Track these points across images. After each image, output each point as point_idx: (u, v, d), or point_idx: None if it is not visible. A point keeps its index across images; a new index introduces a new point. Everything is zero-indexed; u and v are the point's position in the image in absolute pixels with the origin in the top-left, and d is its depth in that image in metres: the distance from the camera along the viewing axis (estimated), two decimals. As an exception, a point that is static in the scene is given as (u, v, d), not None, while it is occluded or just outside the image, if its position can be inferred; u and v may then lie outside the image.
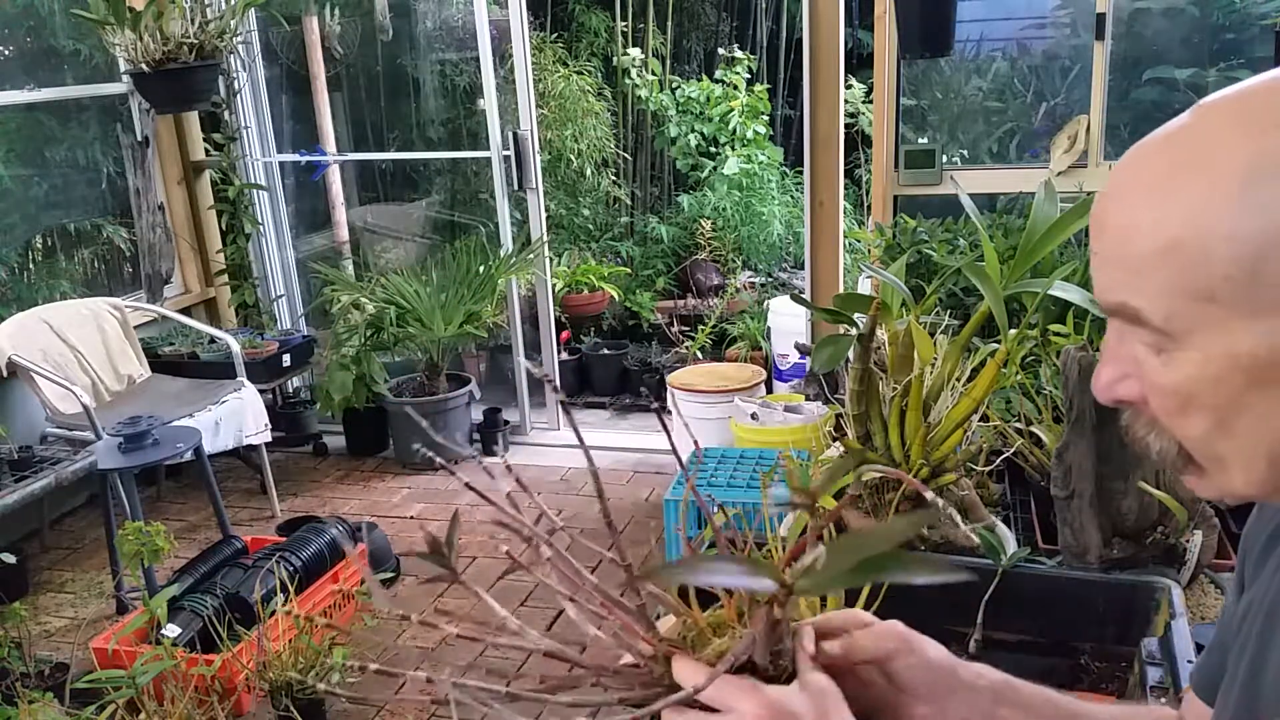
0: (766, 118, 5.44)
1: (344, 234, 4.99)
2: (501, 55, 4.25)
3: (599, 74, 5.49)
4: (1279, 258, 0.52)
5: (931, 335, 1.52)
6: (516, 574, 0.72)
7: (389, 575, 3.28)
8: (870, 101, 4.48)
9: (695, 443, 0.86)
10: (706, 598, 0.73)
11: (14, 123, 4.02)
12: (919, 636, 0.81)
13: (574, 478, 3.96)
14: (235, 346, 3.83)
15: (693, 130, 5.45)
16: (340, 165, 4.98)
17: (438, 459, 0.72)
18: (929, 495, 0.79)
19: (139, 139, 4.18)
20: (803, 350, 3.37)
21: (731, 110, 5.32)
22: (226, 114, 4.46)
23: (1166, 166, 0.57)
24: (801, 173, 3.81)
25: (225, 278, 4.62)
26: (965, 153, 3.99)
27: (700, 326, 4.97)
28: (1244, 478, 0.59)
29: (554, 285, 4.67)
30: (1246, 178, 0.53)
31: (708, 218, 5.44)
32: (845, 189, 3.82)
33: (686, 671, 0.66)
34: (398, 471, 4.25)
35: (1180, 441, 0.61)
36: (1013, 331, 1.39)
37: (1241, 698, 0.70)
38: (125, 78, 4.13)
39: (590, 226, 5.63)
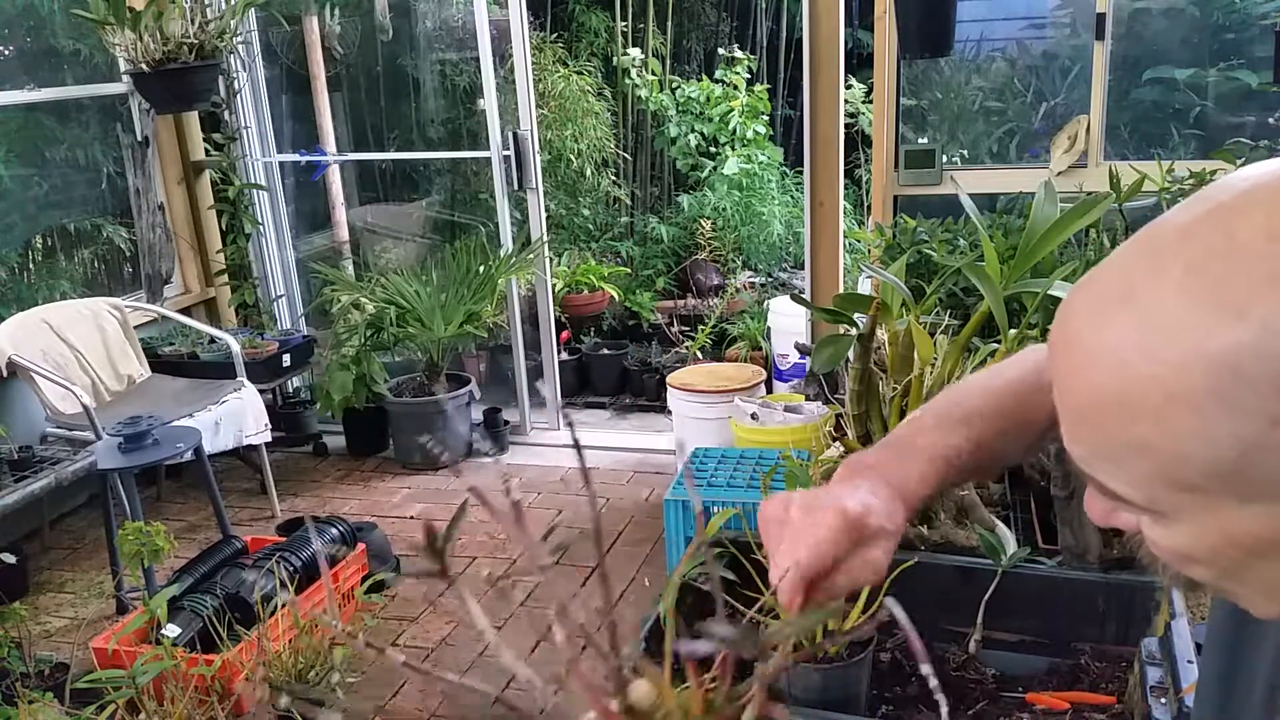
0: (766, 118, 5.44)
1: (344, 234, 4.99)
2: (501, 55, 4.25)
3: (599, 74, 5.49)
4: (1262, 457, 0.47)
5: (931, 335, 1.52)
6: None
7: (389, 575, 3.28)
8: (870, 101, 4.47)
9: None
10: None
11: (14, 123, 4.02)
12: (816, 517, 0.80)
13: (574, 478, 3.96)
14: (235, 346, 3.83)
15: (693, 130, 5.45)
16: (340, 165, 4.98)
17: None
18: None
19: (139, 139, 4.18)
20: (803, 350, 3.37)
21: (731, 110, 5.32)
22: (226, 114, 4.46)
23: (1127, 346, 0.50)
24: (801, 173, 3.81)
25: (225, 278, 4.62)
26: (965, 153, 3.99)
27: (700, 326, 4.97)
28: (1264, 610, 0.56)
29: (554, 285, 4.67)
30: (1218, 381, 0.47)
31: (708, 218, 5.45)
32: (845, 189, 3.82)
33: None
34: (398, 471, 4.25)
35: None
36: (1013, 331, 1.39)
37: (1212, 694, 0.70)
38: (125, 78, 4.13)
39: (590, 226, 5.63)
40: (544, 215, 4.26)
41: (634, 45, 5.56)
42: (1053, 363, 0.56)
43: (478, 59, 4.13)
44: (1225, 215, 0.49)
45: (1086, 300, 0.54)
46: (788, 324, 4.28)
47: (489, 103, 4.12)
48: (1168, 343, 0.49)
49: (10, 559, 2.86)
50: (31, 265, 4.17)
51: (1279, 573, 0.53)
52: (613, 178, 5.59)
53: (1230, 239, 0.48)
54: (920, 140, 3.83)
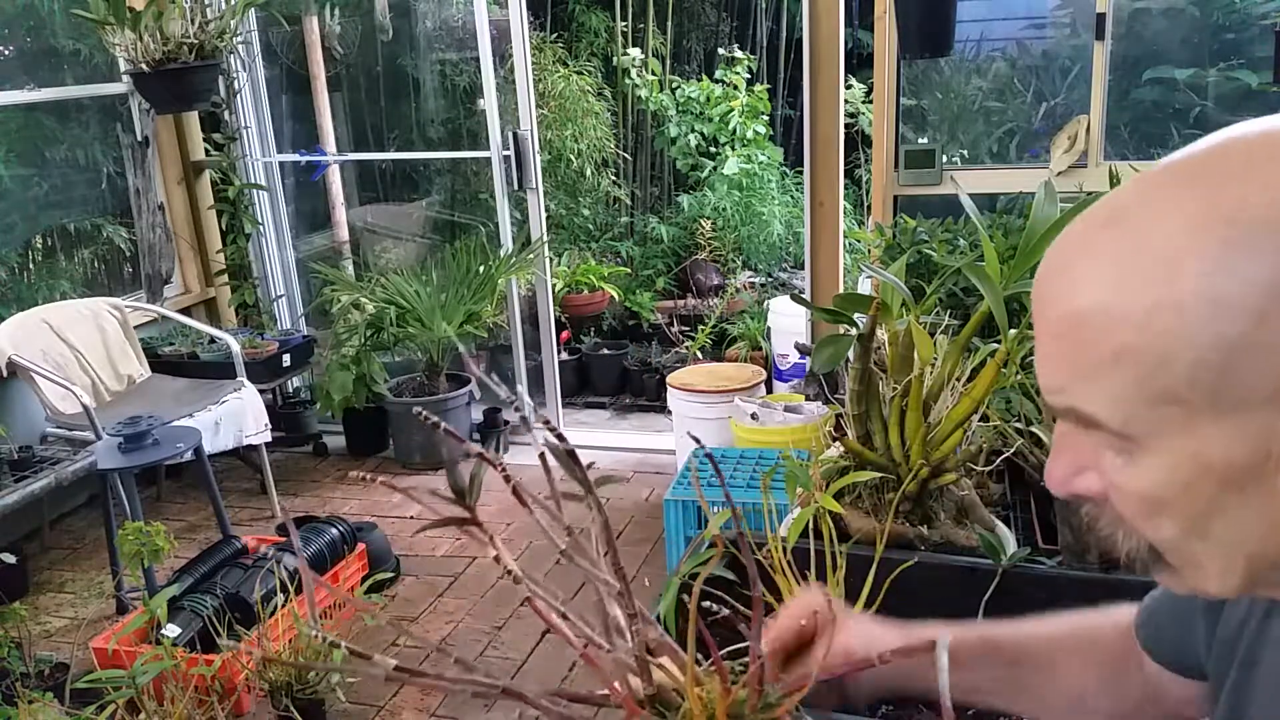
0: (766, 118, 5.44)
1: (344, 234, 4.99)
2: (501, 55, 4.25)
3: (599, 74, 5.49)
4: (1245, 361, 0.47)
5: (931, 335, 1.52)
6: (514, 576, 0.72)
7: (389, 575, 3.28)
8: (870, 101, 4.47)
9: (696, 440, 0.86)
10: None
11: (14, 123, 4.02)
12: (846, 619, 0.83)
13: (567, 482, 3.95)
14: (235, 346, 3.83)
15: (693, 130, 5.45)
16: (340, 165, 4.98)
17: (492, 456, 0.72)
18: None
19: (139, 139, 4.18)
20: (803, 350, 3.37)
21: (731, 110, 5.32)
22: (226, 114, 4.46)
23: (1112, 260, 0.51)
24: (801, 173, 3.80)
25: (225, 278, 4.62)
26: (965, 153, 3.99)
27: (700, 326, 4.97)
28: (1219, 580, 0.55)
29: (554, 285, 4.67)
30: (1202, 279, 0.48)
31: (708, 218, 5.45)
32: (845, 189, 3.82)
33: None
34: (397, 471, 4.25)
35: (1152, 544, 0.57)
36: (1013, 331, 1.39)
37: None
38: (125, 78, 4.13)
39: (590, 226, 5.63)
40: (544, 215, 4.26)
41: (634, 45, 5.56)
42: (1037, 294, 0.56)
43: (478, 59, 4.13)
44: (1214, 149, 0.52)
45: (1075, 228, 0.55)
46: (788, 324, 4.28)
47: (489, 103, 4.12)
48: (1158, 248, 0.50)
49: (10, 559, 2.86)
50: (31, 265, 4.17)
51: (1244, 522, 0.52)
52: (613, 178, 5.59)
53: (1223, 159, 0.51)
54: (920, 140, 3.83)
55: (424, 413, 0.64)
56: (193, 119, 4.48)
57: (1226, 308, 0.48)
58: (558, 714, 0.60)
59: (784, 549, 1.28)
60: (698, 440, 0.74)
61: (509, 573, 0.63)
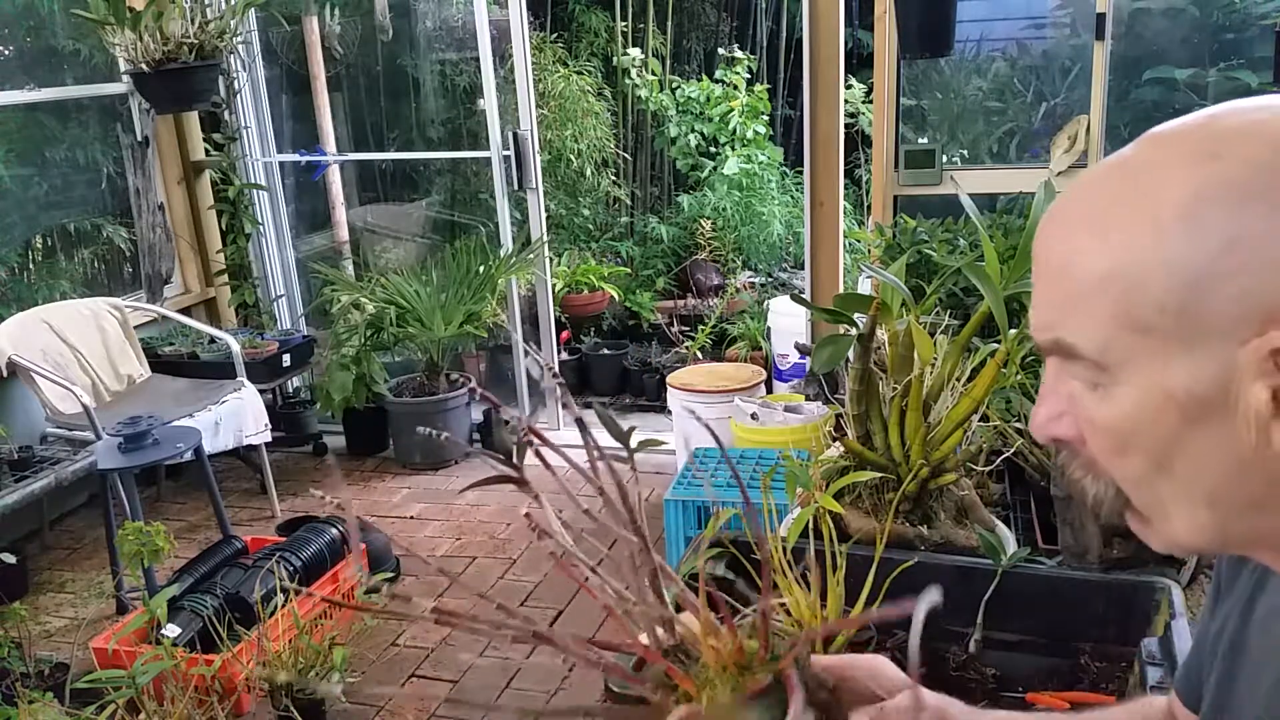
0: (766, 118, 5.44)
1: (344, 234, 4.99)
2: (501, 55, 4.25)
3: (599, 74, 5.49)
4: (1212, 287, 0.51)
5: (931, 335, 1.52)
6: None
7: (389, 575, 3.28)
8: (870, 101, 4.47)
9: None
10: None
11: (14, 123, 4.02)
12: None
13: (574, 477, 3.95)
14: (235, 346, 3.83)
15: (693, 130, 5.45)
16: (340, 165, 4.98)
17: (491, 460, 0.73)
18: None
19: (139, 139, 4.18)
20: (803, 350, 3.37)
21: (731, 110, 5.32)
22: (226, 114, 4.46)
23: (1108, 198, 0.56)
24: (801, 173, 3.80)
25: (225, 278, 4.62)
26: (965, 153, 3.99)
27: (700, 326, 4.97)
28: (1185, 524, 0.57)
29: (554, 285, 4.67)
30: (1184, 208, 0.52)
31: (708, 218, 5.44)
32: (845, 189, 3.82)
33: None
34: (398, 471, 4.25)
35: (1119, 485, 0.60)
36: (1013, 331, 1.39)
37: None
38: (125, 78, 4.13)
39: (590, 226, 5.63)
40: (544, 215, 4.26)
41: (634, 45, 5.56)
42: (1035, 240, 0.60)
43: (478, 59, 4.13)
44: (1209, 112, 0.56)
45: (1074, 182, 0.60)
46: (788, 324, 4.28)
47: (489, 103, 4.12)
48: (1144, 184, 0.54)
49: (10, 559, 2.86)
50: (31, 265, 4.17)
51: (1205, 458, 0.54)
52: (613, 178, 5.59)
53: (1211, 117, 0.55)
54: (920, 140, 3.83)
55: (429, 430, 0.66)
56: (193, 119, 4.48)
57: (1199, 232, 0.51)
58: (586, 658, 0.62)
59: (784, 549, 1.28)
60: (710, 430, 0.74)
61: (535, 529, 0.64)
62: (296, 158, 4.77)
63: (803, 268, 3.99)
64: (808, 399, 3.20)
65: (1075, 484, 0.63)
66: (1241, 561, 0.71)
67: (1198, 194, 0.52)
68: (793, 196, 5.41)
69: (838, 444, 1.64)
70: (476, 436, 4.36)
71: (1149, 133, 0.58)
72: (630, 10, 5.56)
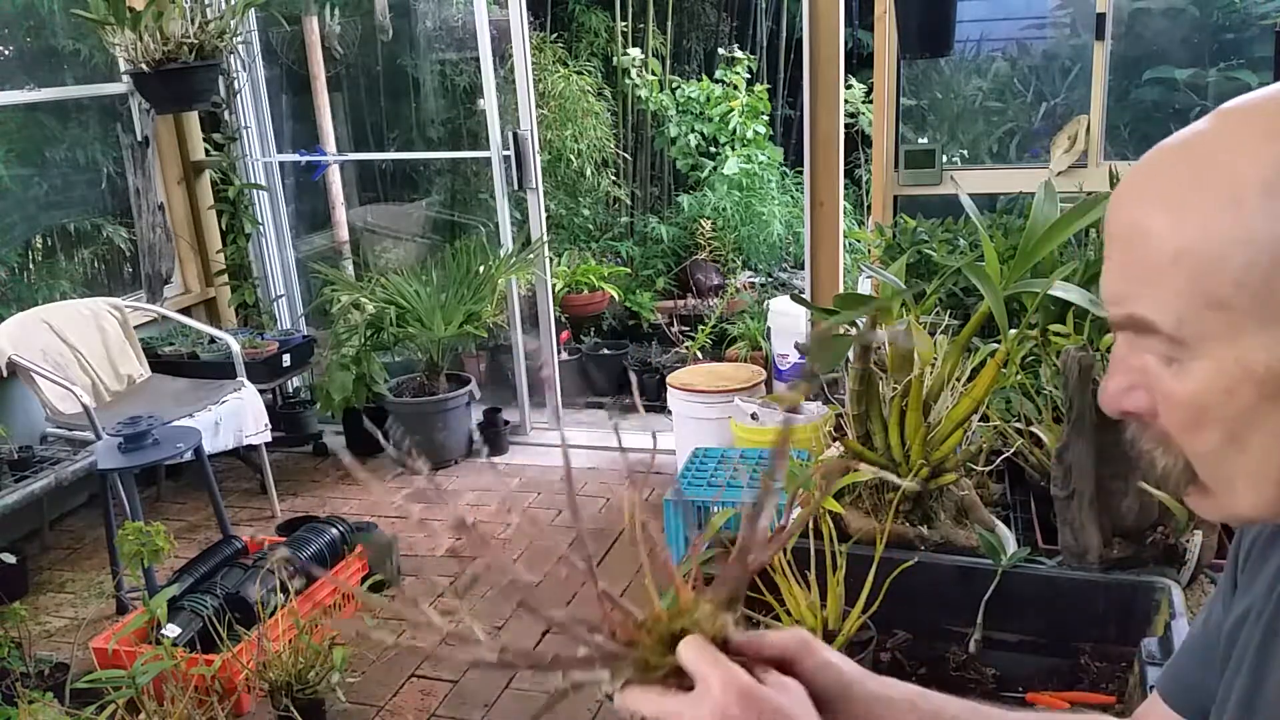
0: (766, 118, 5.44)
1: (344, 234, 4.99)
2: (501, 55, 4.25)
3: (599, 74, 5.49)
4: None
5: (931, 335, 1.52)
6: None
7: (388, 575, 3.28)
8: (870, 101, 4.47)
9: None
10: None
11: (14, 123, 4.02)
12: (823, 646, 0.79)
13: (574, 478, 3.95)
14: (235, 346, 3.83)
15: (693, 130, 5.45)
16: (340, 165, 4.98)
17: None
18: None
19: (139, 139, 4.18)
20: (803, 350, 3.37)
21: (731, 110, 5.32)
22: (226, 114, 4.46)
23: (1184, 173, 0.56)
24: (801, 173, 3.80)
25: (225, 278, 4.62)
26: (965, 153, 3.99)
27: (700, 326, 4.97)
28: (1251, 499, 0.57)
29: (554, 285, 4.67)
30: (1266, 184, 0.52)
31: (708, 218, 5.44)
32: (845, 189, 3.81)
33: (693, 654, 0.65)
34: (398, 472, 4.24)
35: (1189, 458, 0.59)
36: (1013, 331, 1.39)
37: (1237, 715, 0.67)
38: (125, 78, 4.13)
39: (590, 226, 5.63)
40: (544, 215, 4.26)
41: (634, 45, 5.56)
42: (1108, 211, 0.60)
43: (478, 59, 4.13)
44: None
45: (1150, 154, 0.59)
46: (788, 324, 4.28)
47: (489, 103, 4.12)
48: (1224, 160, 0.54)
49: (10, 559, 2.86)
50: (31, 265, 4.17)
51: None
52: (613, 178, 5.59)
53: None
54: (920, 140, 3.83)
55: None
56: (193, 119, 4.48)
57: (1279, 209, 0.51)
58: (570, 629, 0.65)
59: (784, 549, 1.28)
60: (752, 413, 0.74)
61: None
62: (296, 158, 4.77)
63: (803, 268, 3.99)
64: (808, 399, 3.20)
65: (1145, 456, 0.62)
66: (1267, 554, 0.69)
67: (1278, 170, 0.51)
68: (793, 196, 5.41)
69: (838, 444, 1.64)
70: (477, 436, 4.36)
71: (1223, 108, 0.58)
72: (630, 10, 5.56)
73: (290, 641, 2.63)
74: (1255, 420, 0.54)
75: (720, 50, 5.65)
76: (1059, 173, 3.45)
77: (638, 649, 0.67)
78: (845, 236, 3.85)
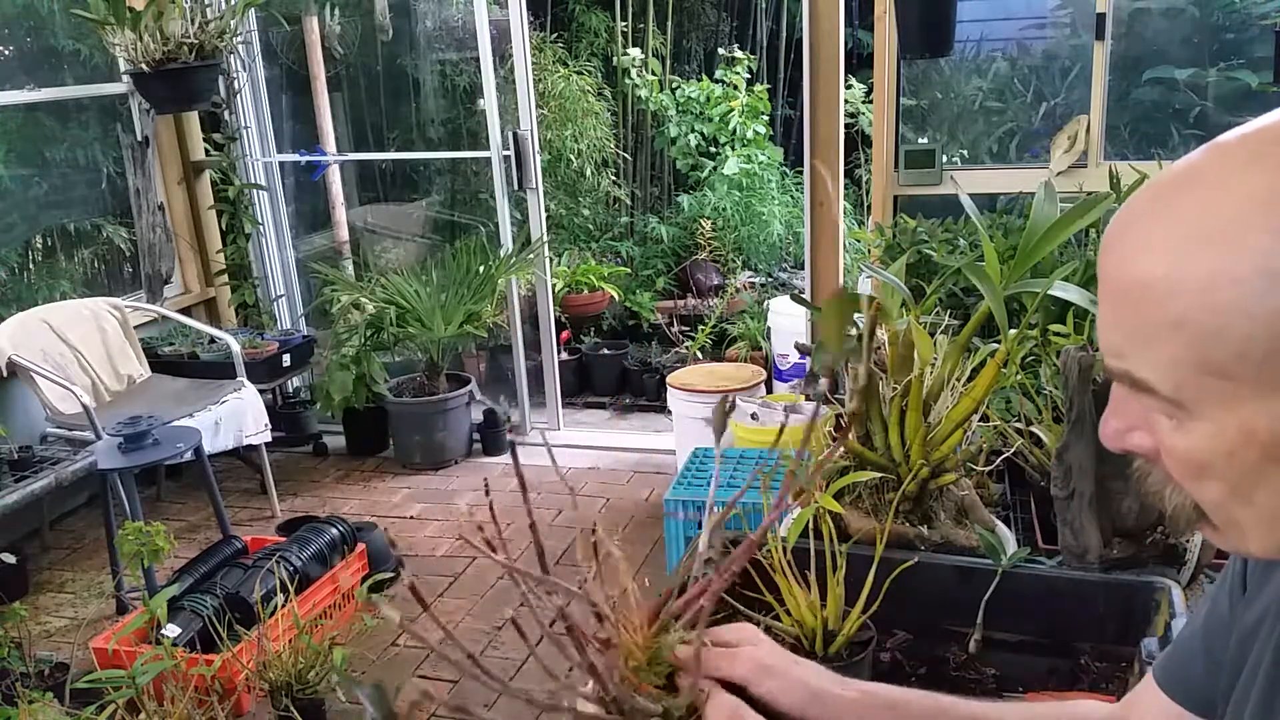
0: (766, 118, 5.44)
1: (344, 234, 4.99)
2: (501, 55, 4.25)
3: (599, 74, 5.49)
4: None
5: (931, 335, 1.52)
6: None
7: (389, 575, 3.28)
8: (870, 101, 4.47)
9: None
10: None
11: (14, 123, 4.02)
12: (785, 661, 0.81)
13: (574, 478, 3.95)
14: (235, 346, 3.83)
15: (693, 130, 5.45)
16: (340, 165, 4.98)
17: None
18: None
19: (139, 139, 4.18)
20: (803, 350, 3.37)
21: (731, 110, 5.32)
22: (226, 114, 4.46)
23: (1177, 228, 0.53)
24: (801, 173, 3.80)
25: (225, 278, 4.62)
26: (965, 153, 3.99)
27: (700, 326, 4.97)
28: (1260, 543, 0.57)
29: (554, 285, 4.67)
30: (1267, 253, 0.49)
31: (708, 218, 5.44)
32: (845, 189, 3.81)
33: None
34: (398, 471, 4.24)
35: (1196, 503, 0.58)
36: (1013, 331, 1.39)
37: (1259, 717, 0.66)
38: (125, 78, 4.13)
39: (590, 226, 5.63)
40: (544, 215, 4.26)
41: (634, 45, 5.56)
42: (1101, 257, 0.58)
43: (478, 59, 4.13)
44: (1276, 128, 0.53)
45: (1144, 193, 0.57)
46: (788, 324, 4.28)
47: (489, 103, 4.12)
48: (1223, 220, 0.51)
49: (10, 559, 2.86)
50: (31, 265, 4.17)
51: None
52: (613, 178, 5.59)
53: None
54: (920, 140, 3.83)
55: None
56: (193, 119, 4.48)
57: None
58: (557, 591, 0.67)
59: (784, 549, 1.28)
60: (752, 413, 0.74)
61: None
62: (296, 158, 4.77)
63: (803, 268, 3.99)
64: (808, 399, 3.20)
65: (1154, 493, 0.61)
66: None
67: (1276, 237, 0.49)
68: (793, 196, 5.40)
69: (838, 444, 1.64)
70: (476, 437, 4.36)
71: (1222, 146, 0.55)
72: (630, 10, 5.56)
73: (290, 641, 2.63)
74: (1259, 479, 0.54)
75: (720, 50, 5.65)
76: (1059, 173, 3.45)
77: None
78: (845, 236, 3.84)
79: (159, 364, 4.02)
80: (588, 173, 5.39)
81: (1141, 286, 0.54)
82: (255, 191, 4.61)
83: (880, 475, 1.49)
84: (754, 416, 3.16)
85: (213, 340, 4.12)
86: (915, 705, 0.82)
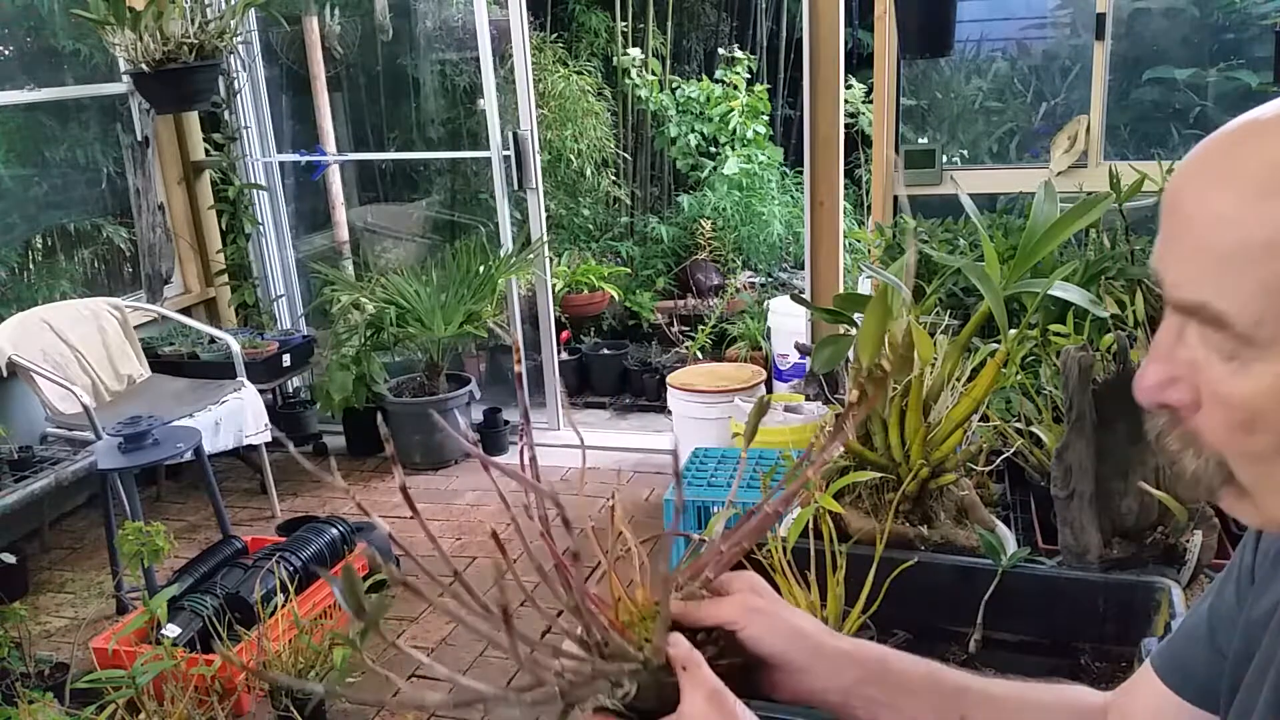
0: (766, 118, 5.44)
1: (344, 234, 4.99)
2: (501, 55, 4.25)
3: (599, 74, 5.49)
4: None
5: (931, 335, 1.52)
6: (517, 572, 0.73)
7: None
8: (870, 101, 4.47)
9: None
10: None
11: (14, 123, 4.02)
12: (776, 605, 0.80)
13: (575, 477, 3.96)
14: (235, 346, 3.83)
15: (693, 130, 5.45)
16: (340, 165, 4.98)
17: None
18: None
19: (139, 139, 4.18)
20: (803, 350, 3.37)
21: (731, 110, 5.32)
22: (226, 114, 4.46)
23: (1264, 157, 0.51)
24: (801, 173, 3.80)
25: (225, 278, 4.62)
26: (965, 153, 3.99)
27: (700, 326, 4.97)
28: None
29: (554, 285, 4.67)
30: None
31: (708, 218, 5.44)
32: (845, 189, 3.81)
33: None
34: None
35: (1229, 459, 0.56)
36: (1013, 331, 1.39)
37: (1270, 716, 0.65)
38: (125, 78, 4.13)
39: (590, 226, 5.63)
40: (544, 215, 4.26)
41: (634, 45, 5.56)
42: (1174, 188, 0.55)
43: (478, 59, 4.13)
44: None
45: (1221, 133, 0.55)
46: (788, 324, 4.28)
47: (489, 103, 4.12)
48: None
49: (10, 559, 2.86)
50: (31, 265, 4.17)
51: None
52: (613, 178, 5.59)
53: None
54: (920, 140, 3.83)
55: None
56: (193, 119, 4.48)
57: None
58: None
59: (784, 549, 1.28)
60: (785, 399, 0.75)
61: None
62: (296, 158, 4.77)
63: (803, 268, 3.99)
64: (808, 399, 3.20)
65: (1172, 456, 0.58)
66: None
67: None
68: (793, 196, 5.40)
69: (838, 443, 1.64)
70: (477, 436, 4.36)
71: None
72: (630, 10, 5.56)
73: (290, 641, 2.63)
74: None
75: (720, 50, 5.65)
76: (1059, 173, 3.45)
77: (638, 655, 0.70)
78: (845, 236, 3.85)
79: (159, 364, 4.02)
80: (588, 173, 5.39)
81: (1224, 210, 0.52)
82: (255, 191, 4.61)
83: (880, 475, 1.49)
84: (790, 410, 3.13)
85: (213, 340, 4.12)
86: (909, 667, 0.81)
